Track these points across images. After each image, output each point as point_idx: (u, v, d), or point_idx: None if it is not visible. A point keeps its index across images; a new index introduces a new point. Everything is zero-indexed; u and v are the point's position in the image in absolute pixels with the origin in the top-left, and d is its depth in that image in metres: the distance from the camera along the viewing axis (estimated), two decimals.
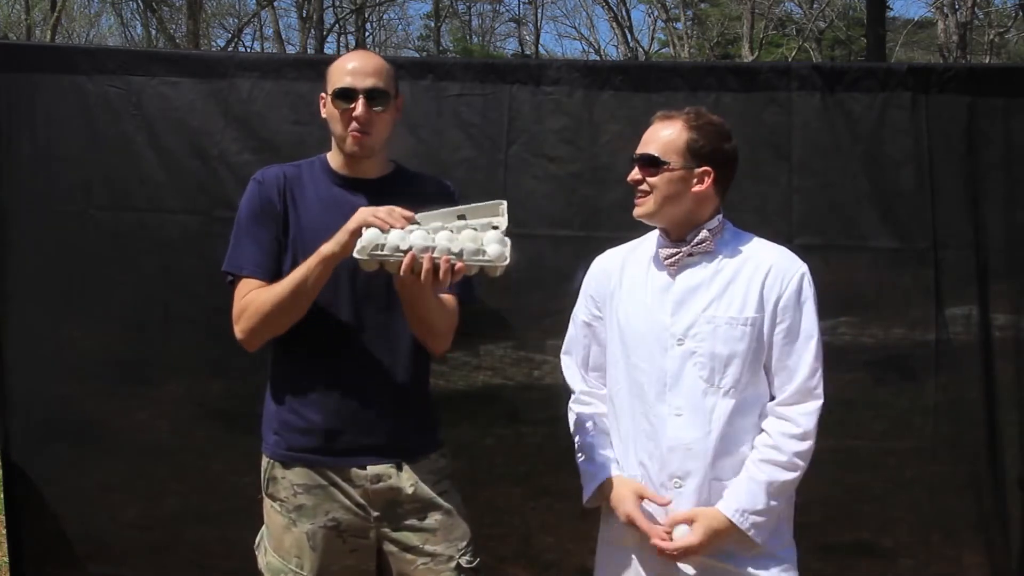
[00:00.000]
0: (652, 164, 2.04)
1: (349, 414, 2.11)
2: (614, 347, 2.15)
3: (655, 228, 2.15)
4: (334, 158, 2.20)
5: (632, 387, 2.09)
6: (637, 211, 2.08)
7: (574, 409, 2.24)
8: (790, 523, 2.10)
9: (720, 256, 2.07)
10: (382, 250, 1.87)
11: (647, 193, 2.05)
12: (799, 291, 2.02)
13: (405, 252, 1.86)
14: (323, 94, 2.16)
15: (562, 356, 2.28)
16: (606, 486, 2.10)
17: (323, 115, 2.17)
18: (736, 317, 2.01)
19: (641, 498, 2.04)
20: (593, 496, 2.13)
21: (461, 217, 1.98)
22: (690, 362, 2.02)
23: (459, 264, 1.87)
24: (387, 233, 1.89)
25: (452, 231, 1.94)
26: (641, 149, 2.08)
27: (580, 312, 2.25)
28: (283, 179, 2.16)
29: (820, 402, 2.01)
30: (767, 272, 2.03)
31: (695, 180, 2.04)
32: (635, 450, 2.09)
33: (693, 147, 2.04)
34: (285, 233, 2.13)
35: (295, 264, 2.09)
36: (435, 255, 1.85)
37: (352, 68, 2.11)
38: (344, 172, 2.18)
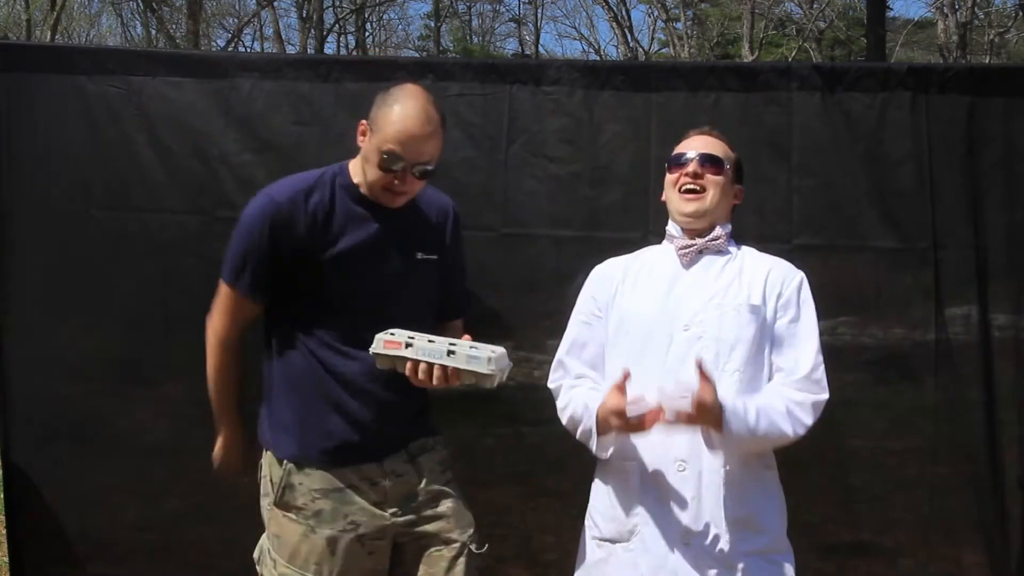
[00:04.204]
0: (716, 163, 2.16)
1: (363, 416, 2.14)
2: (616, 338, 2.16)
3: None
4: (357, 176, 2.18)
5: (636, 374, 2.08)
6: (693, 207, 2.15)
7: (563, 396, 2.20)
8: (784, 523, 2.10)
9: (728, 255, 2.16)
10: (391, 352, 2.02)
11: (704, 189, 2.14)
12: (799, 290, 2.12)
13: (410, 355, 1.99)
14: (365, 123, 2.12)
15: (556, 365, 2.26)
16: (598, 420, 2.06)
17: (359, 142, 2.14)
18: (743, 304, 2.07)
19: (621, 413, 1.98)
20: (601, 445, 2.09)
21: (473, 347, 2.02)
22: (696, 347, 2.04)
23: (451, 368, 1.96)
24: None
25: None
26: (701, 145, 2.19)
27: (579, 314, 2.25)
28: (300, 208, 2.12)
29: (825, 396, 2.06)
30: (768, 271, 2.13)
31: (734, 194, 2.23)
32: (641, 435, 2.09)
33: (738, 165, 2.23)
34: (307, 256, 2.12)
35: (313, 277, 2.11)
36: (432, 360, 1.97)
37: (410, 134, 2.04)
38: (364, 192, 2.17)
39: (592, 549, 2.17)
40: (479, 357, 1.93)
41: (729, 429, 1.93)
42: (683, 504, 2.03)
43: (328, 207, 2.14)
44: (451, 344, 1.97)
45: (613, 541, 2.12)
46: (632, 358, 2.09)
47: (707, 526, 2.02)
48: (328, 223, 2.13)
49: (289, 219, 2.11)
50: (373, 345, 2.00)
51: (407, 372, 1.99)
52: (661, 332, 2.08)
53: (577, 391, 2.18)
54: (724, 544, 2.02)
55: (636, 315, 2.12)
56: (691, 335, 2.05)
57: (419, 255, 2.19)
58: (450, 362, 1.94)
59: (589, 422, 2.08)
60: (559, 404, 2.22)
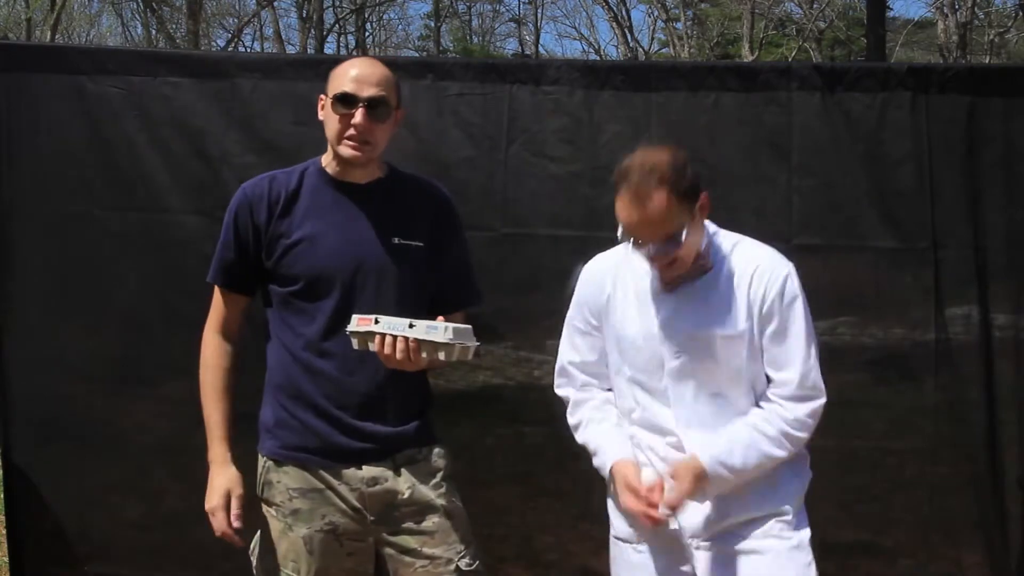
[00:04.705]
0: (671, 244, 1.91)
1: (343, 415, 2.11)
2: (614, 357, 2.14)
3: None
4: (327, 159, 2.20)
5: (636, 396, 2.09)
6: (673, 284, 2.00)
7: (576, 413, 2.20)
8: (798, 502, 2.09)
9: (711, 270, 2.03)
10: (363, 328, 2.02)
11: (673, 260, 1.95)
12: (782, 293, 1.99)
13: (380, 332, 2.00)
14: (322, 96, 2.15)
15: (559, 371, 2.24)
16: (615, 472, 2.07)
17: (320, 116, 2.16)
18: (731, 335, 1.99)
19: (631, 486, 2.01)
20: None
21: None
22: (691, 378, 2.03)
23: (412, 340, 1.95)
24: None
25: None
26: (647, 235, 1.91)
27: (575, 320, 2.20)
28: (264, 193, 2.15)
29: (822, 400, 2.00)
30: (751, 278, 2.00)
31: (698, 215, 1.95)
32: (644, 453, 2.10)
33: (687, 195, 1.90)
34: (273, 240, 2.13)
35: (283, 262, 2.12)
36: (395, 333, 1.98)
37: (355, 75, 2.09)
38: (335, 175, 2.17)
39: (611, 543, 2.19)
40: (437, 328, 1.95)
41: (716, 484, 1.96)
42: (692, 509, 2.03)
43: (293, 191, 2.15)
44: (415, 320, 1.99)
45: (625, 540, 2.13)
46: (631, 376, 2.09)
47: (716, 529, 2.02)
48: (291, 206, 2.14)
49: (253, 204, 2.14)
50: (349, 324, 2.02)
51: (376, 348, 1.98)
52: (652, 355, 2.05)
53: (595, 427, 2.15)
54: (734, 544, 2.02)
55: (628, 341, 2.08)
56: (683, 363, 2.02)
57: (396, 240, 2.14)
58: (411, 333, 1.95)
59: (603, 467, 2.11)
60: (571, 419, 2.21)
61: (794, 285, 2.00)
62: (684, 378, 2.02)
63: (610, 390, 2.20)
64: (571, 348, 2.21)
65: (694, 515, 2.03)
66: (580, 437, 2.18)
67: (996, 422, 2.72)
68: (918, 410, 2.76)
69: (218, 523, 2.13)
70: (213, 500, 2.14)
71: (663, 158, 1.90)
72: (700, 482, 1.95)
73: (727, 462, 1.96)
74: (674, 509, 1.96)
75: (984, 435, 2.72)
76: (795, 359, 2.00)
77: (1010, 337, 2.73)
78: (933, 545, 2.76)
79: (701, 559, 2.02)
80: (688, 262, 1.96)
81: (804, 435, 2.00)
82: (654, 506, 1.95)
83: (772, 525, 2.02)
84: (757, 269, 2.00)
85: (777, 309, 1.99)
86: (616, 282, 2.12)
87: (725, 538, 2.02)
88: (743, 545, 2.01)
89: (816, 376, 2.01)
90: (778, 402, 2.01)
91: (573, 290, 2.24)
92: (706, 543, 2.03)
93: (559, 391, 2.24)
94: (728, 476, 1.96)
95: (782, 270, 2.01)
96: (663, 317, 2.03)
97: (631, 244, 1.96)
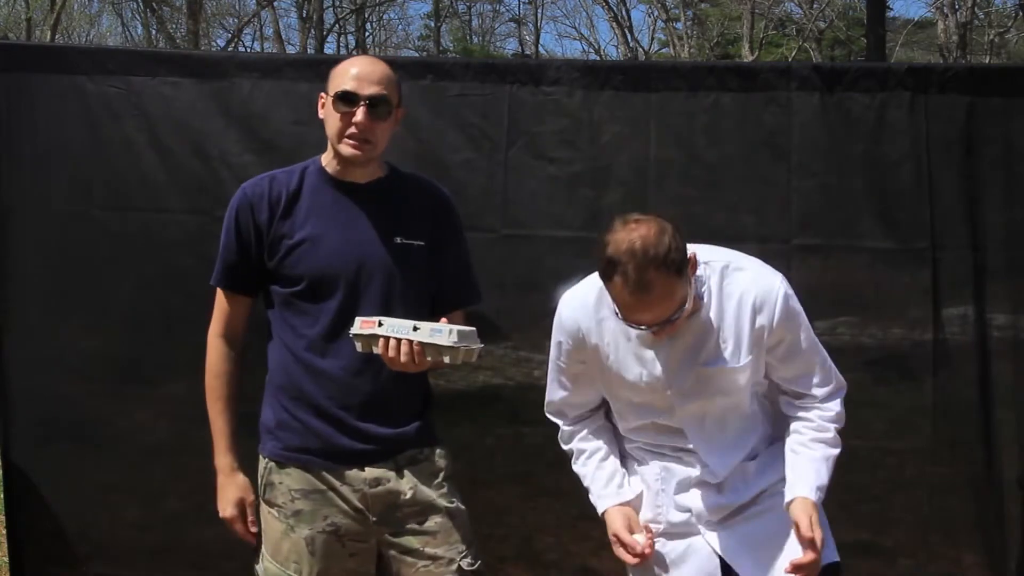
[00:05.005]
0: (677, 313, 1.88)
1: (345, 416, 2.11)
2: (615, 399, 2.16)
3: None
4: (327, 159, 2.19)
5: (646, 428, 2.12)
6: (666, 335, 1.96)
7: (569, 442, 2.24)
8: None
9: (702, 306, 2.01)
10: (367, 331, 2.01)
11: (675, 324, 1.92)
12: (785, 312, 2.00)
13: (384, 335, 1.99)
14: (323, 94, 2.15)
15: (548, 403, 2.26)
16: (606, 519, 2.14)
17: (320, 115, 2.16)
18: (736, 367, 2.01)
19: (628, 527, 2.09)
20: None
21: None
22: (701, 411, 2.06)
23: (416, 343, 1.95)
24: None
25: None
26: (653, 319, 1.86)
27: (559, 360, 2.19)
28: (264, 193, 2.15)
29: (845, 385, 2.11)
30: (752, 311, 1.99)
31: (690, 275, 1.91)
32: (656, 462, 2.13)
33: (681, 267, 1.84)
34: (275, 241, 2.13)
35: (285, 262, 2.11)
36: (399, 336, 1.97)
37: (356, 73, 2.09)
38: (336, 175, 2.17)
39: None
40: (441, 331, 1.95)
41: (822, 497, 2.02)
42: (699, 497, 2.08)
43: (294, 191, 2.15)
44: (419, 322, 1.98)
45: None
46: (639, 418, 2.12)
47: (726, 512, 2.07)
48: (292, 206, 2.14)
49: (254, 204, 2.14)
50: (352, 326, 2.01)
51: (380, 351, 1.98)
52: (657, 396, 2.06)
53: (583, 460, 2.20)
54: (743, 515, 2.07)
55: (629, 383, 2.08)
56: (691, 402, 2.04)
57: (398, 239, 2.14)
58: (415, 336, 1.95)
59: (596, 507, 2.16)
60: (563, 446, 2.24)
61: (790, 300, 2.01)
62: (694, 412, 2.06)
63: (600, 408, 2.23)
64: (558, 387, 2.23)
65: (704, 504, 2.07)
66: (573, 467, 2.23)
67: (995, 422, 2.72)
68: (917, 410, 2.76)
69: (238, 531, 2.19)
70: (228, 511, 2.18)
71: (650, 238, 1.79)
72: (815, 515, 1.98)
73: (821, 484, 2.02)
74: (818, 549, 1.96)
75: (983, 435, 2.72)
76: (814, 365, 2.06)
77: (1009, 337, 2.73)
78: (932, 545, 2.76)
79: (712, 537, 2.07)
80: (686, 318, 1.94)
81: (843, 421, 2.09)
82: (642, 547, 2.05)
83: (777, 485, 2.06)
84: (755, 301, 1.99)
85: (783, 332, 2.02)
86: (602, 329, 2.08)
87: (734, 516, 2.07)
88: (752, 511, 2.07)
89: (835, 369, 2.09)
90: (818, 407, 2.07)
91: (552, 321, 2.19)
92: (718, 524, 2.07)
93: (550, 418, 2.28)
94: (823, 493, 2.03)
95: (777, 292, 2.00)
96: (664, 360, 2.03)
97: (632, 326, 1.92)
